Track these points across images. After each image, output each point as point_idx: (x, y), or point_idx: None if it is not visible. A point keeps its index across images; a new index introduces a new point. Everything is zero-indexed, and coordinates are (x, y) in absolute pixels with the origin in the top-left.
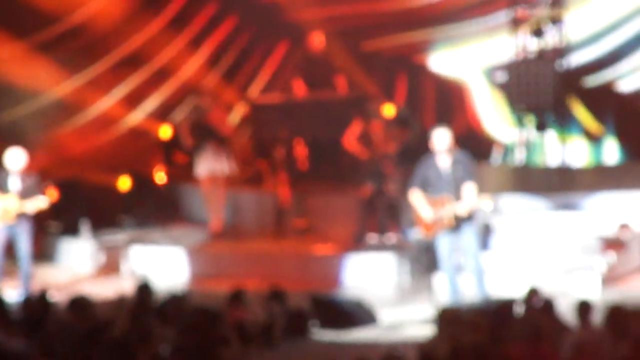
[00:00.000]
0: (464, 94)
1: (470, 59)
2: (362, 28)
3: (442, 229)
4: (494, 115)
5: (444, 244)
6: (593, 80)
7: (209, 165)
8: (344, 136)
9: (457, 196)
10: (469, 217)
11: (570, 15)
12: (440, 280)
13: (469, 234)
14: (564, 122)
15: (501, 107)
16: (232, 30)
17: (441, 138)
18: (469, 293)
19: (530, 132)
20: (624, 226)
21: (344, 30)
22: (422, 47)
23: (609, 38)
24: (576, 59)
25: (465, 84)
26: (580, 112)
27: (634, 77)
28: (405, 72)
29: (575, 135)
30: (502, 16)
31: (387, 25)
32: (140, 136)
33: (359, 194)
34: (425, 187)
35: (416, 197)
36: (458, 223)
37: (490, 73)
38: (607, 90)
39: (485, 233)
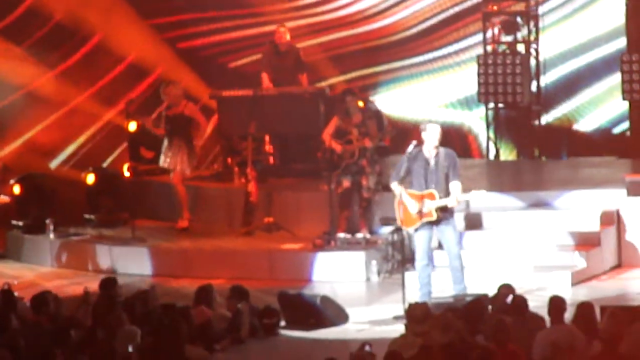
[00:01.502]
0: None
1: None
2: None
3: (424, 222)
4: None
5: (422, 238)
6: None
7: (169, 158)
8: (323, 131)
9: (442, 191)
10: (450, 213)
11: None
12: (412, 277)
13: (449, 230)
14: None
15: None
16: None
17: (433, 133)
18: (446, 289)
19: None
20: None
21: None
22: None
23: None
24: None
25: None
26: None
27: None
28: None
29: None
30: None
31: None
32: (108, 130)
33: (334, 189)
34: (408, 180)
35: (396, 188)
36: (440, 217)
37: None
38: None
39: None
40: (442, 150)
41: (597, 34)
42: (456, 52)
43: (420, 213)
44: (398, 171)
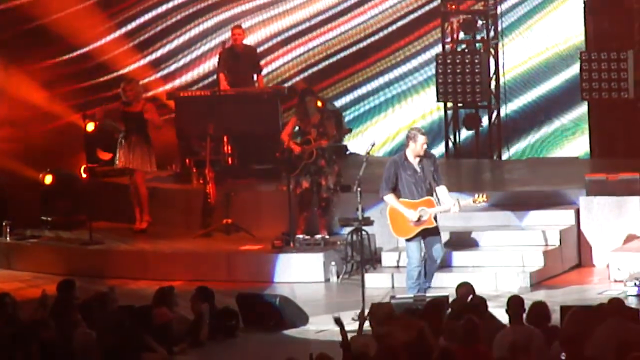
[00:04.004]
0: None
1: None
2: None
3: (420, 229)
4: None
5: (417, 246)
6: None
7: (126, 158)
8: (282, 131)
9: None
10: (436, 220)
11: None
12: (371, 278)
13: (436, 238)
14: None
15: None
16: None
17: (421, 142)
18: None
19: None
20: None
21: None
22: None
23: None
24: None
25: None
26: None
27: None
28: None
29: None
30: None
31: None
32: (66, 130)
33: (293, 189)
34: (396, 188)
35: (392, 199)
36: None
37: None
38: None
39: None
40: (425, 156)
41: (557, 49)
42: (416, 69)
43: (420, 221)
44: (388, 181)
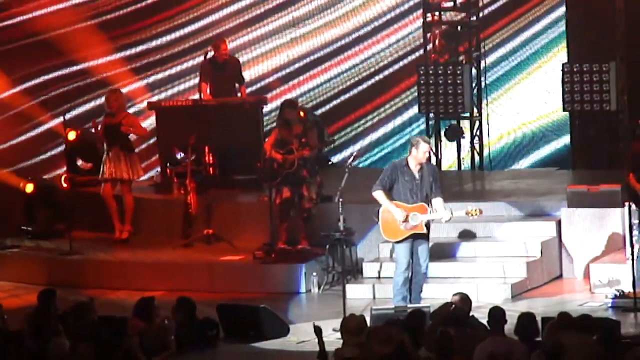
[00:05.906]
0: None
1: None
2: None
3: (410, 233)
4: None
5: (406, 250)
6: None
7: (111, 169)
8: (265, 142)
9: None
10: (428, 229)
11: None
12: (353, 289)
13: (424, 246)
14: None
15: None
16: None
17: (423, 150)
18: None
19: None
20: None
21: None
22: None
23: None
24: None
25: None
26: None
27: None
28: None
29: None
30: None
31: None
32: (46, 139)
33: (274, 199)
34: (392, 189)
35: (381, 196)
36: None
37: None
38: None
39: None
40: (425, 165)
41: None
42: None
43: (410, 225)
44: (383, 180)
